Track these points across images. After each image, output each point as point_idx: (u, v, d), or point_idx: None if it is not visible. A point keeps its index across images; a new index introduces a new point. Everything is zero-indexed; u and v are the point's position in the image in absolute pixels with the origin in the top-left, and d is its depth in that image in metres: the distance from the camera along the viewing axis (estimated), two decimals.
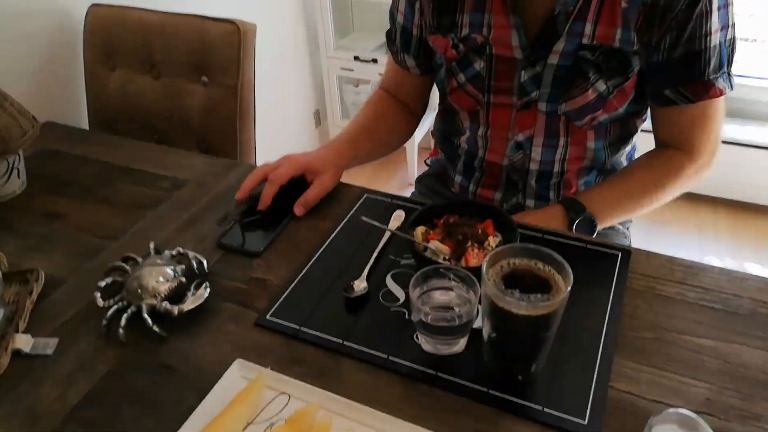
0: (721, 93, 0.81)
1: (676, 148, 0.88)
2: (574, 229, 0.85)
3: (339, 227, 0.83)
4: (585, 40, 0.80)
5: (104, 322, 0.69)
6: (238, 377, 0.62)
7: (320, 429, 0.55)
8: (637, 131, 0.96)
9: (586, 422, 0.56)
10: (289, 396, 0.60)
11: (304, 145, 2.29)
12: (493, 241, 0.72)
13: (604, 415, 0.57)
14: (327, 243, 0.81)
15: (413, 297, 0.62)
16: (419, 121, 1.07)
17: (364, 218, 0.78)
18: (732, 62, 0.81)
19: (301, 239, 0.83)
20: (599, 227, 0.87)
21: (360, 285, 0.73)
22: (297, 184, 0.87)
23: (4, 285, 0.74)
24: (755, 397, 0.58)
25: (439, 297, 0.63)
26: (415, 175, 1.75)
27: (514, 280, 0.56)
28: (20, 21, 1.17)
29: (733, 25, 0.79)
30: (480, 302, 0.58)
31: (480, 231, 0.71)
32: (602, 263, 0.73)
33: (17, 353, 0.67)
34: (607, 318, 0.65)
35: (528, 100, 0.87)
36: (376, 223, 0.77)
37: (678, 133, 0.88)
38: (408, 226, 0.74)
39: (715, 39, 0.77)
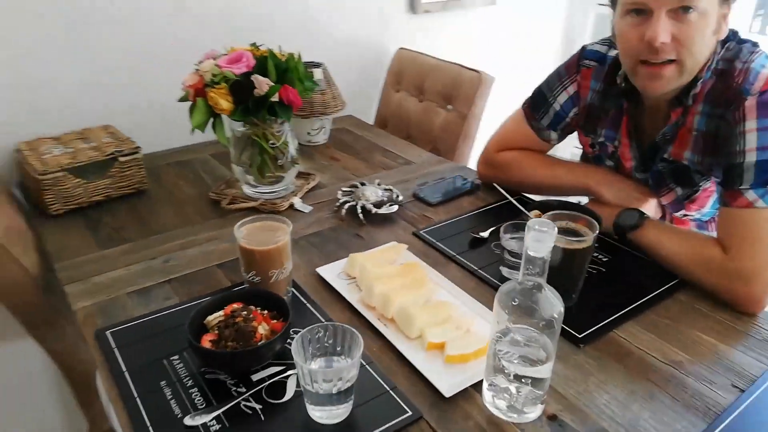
0: (748, 204, 0.88)
1: (723, 247, 0.91)
2: (615, 222, 1.01)
3: (485, 207, 1.22)
4: (665, 155, 1.03)
5: (337, 205, 1.21)
6: (397, 246, 1.05)
7: (420, 276, 0.94)
8: None
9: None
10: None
11: None
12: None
13: None
14: (477, 211, 1.21)
15: (503, 236, 0.97)
16: None
17: (497, 186, 1.17)
18: None
19: (462, 205, 1.24)
20: (635, 238, 1.00)
21: (484, 233, 1.10)
22: None
23: (296, 179, 1.32)
24: None
25: (516, 245, 0.97)
26: None
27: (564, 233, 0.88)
28: (358, 50, 1.86)
29: None
30: None
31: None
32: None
33: (291, 206, 1.23)
34: None
35: None
36: (504, 192, 1.16)
37: (722, 231, 0.94)
38: (528, 208, 1.09)
39: (751, 156, 0.88)
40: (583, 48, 1.15)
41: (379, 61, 1.91)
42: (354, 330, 0.71)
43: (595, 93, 1.12)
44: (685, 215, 1.11)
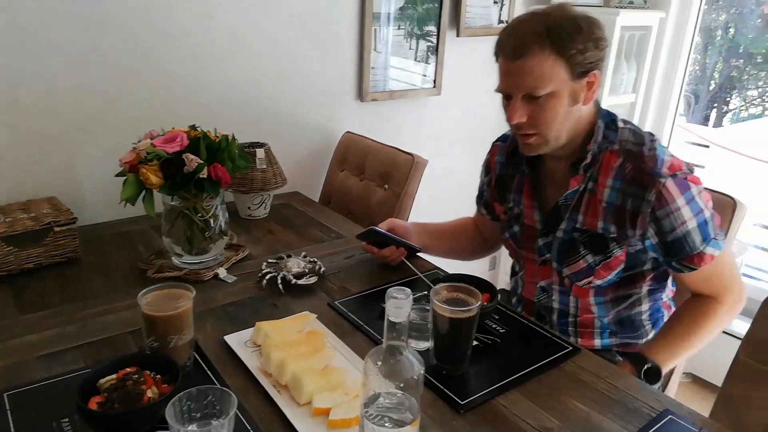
0: (712, 258, 1.06)
1: (707, 296, 1.13)
2: (642, 377, 1.08)
3: (404, 279, 1.28)
4: (578, 225, 1.14)
5: (259, 275, 1.26)
6: (306, 315, 1.10)
7: (320, 339, 0.99)
8: (638, 293, 1.18)
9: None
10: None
11: None
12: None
13: None
14: (396, 283, 1.27)
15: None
16: (492, 250, 1.50)
17: (406, 261, 1.27)
18: (713, 230, 1.06)
19: (381, 277, 1.30)
20: (664, 371, 1.10)
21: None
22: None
23: (225, 250, 1.38)
24: None
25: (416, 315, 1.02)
26: None
27: (448, 303, 0.94)
28: (308, 133, 1.98)
29: (703, 208, 1.04)
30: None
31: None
32: None
33: (216, 276, 1.28)
34: None
35: (544, 259, 1.21)
36: (412, 268, 1.25)
37: (702, 287, 1.14)
38: (433, 282, 1.16)
39: (692, 224, 1.04)
40: None
41: (327, 143, 2.03)
42: (228, 391, 0.74)
43: (500, 164, 1.31)
44: (588, 284, 1.15)
